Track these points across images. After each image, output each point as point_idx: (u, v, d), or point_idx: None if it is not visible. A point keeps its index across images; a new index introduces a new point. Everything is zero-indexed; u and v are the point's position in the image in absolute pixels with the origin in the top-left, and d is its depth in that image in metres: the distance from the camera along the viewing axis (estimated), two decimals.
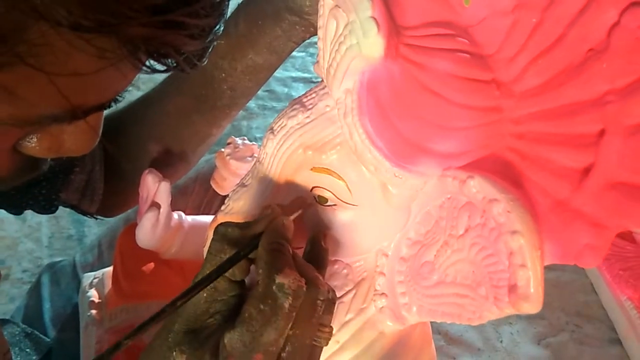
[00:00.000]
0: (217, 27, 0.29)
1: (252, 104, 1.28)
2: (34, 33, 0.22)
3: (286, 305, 0.26)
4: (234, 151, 0.52)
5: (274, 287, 0.26)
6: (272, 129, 0.34)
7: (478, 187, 0.28)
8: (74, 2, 0.22)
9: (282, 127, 0.33)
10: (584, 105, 0.26)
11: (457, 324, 0.48)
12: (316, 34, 0.33)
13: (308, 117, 0.32)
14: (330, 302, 0.30)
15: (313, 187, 0.33)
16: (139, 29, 0.24)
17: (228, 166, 0.52)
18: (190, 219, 0.55)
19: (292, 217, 0.31)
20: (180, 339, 0.28)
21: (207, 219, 0.57)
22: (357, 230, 0.34)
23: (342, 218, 0.34)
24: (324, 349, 0.30)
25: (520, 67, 0.29)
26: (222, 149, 0.53)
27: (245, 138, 0.54)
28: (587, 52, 0.27)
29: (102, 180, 0.53)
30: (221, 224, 0.31)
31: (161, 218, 0.50)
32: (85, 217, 0.57)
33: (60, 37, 0.23)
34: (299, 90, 1.41)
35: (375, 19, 0.26)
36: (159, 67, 0.28)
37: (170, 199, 0.50)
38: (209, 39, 0.29)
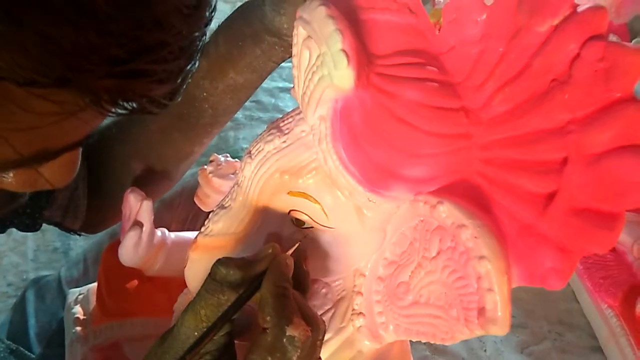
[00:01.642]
0: (190, 66, 0.28)
1: (239, 114, 1.29)
2: None
3: (295, 358, 0.27)
4: (216, 169, 0.53)
5: (284, 340, 0.27)
6: (249, 152, 0.35)
7: (447, 212, 0.29)
8: (28, 58, 0.21)
9: (259, 151, 0.34)
10: (548, 133, 0.27)
11: None
12: None
13: (285, 141, 0.33)
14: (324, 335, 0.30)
15: (290, 210, 0.34)
16: (100, 81, 0.24)
17: (211, 184, 0.52)
18: (173, 235, 0.55)
19: (290, 252, 0.32)
20: None
21: (190, 235, 0.57)
22: (334, 252, 0.35)
23: (320, 240, 0.34)
24: None
25: (488, 94, 0.30)
26: (205, 166, 0.54)
27: (228, 155, 0.55)
28: (551, 82, 0.28)
29: (85, 197, 0.53)
30: (219, 262, 0.30)
31: (144, 237, 0.50)
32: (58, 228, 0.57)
33: (15, 92, 0.22)
34: (285, 100, 1.42)
35: (345, 51, 0.27)
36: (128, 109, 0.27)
37: (152, 217, 0.51)
38: (180, 80, 0.28)
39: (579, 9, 0.27)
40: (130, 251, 0.50)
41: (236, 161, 0.55)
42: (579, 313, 0.95)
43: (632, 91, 0.26)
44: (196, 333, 0.28)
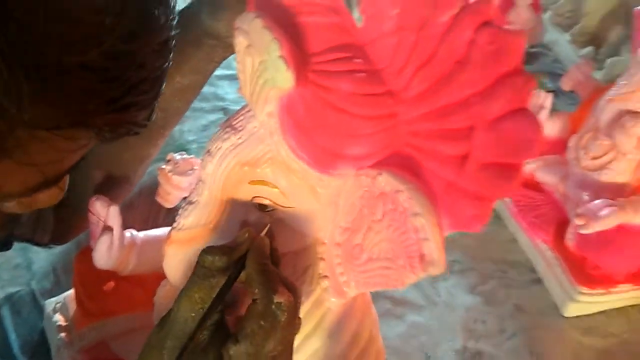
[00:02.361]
0: (160, 90, 0.34)
1: None
2: (21, 134, 0.28)
3: (283, 319, 0.32)
4: (174, 167, 0.56)
5: (273, 307, 0.32)
6: (209, 151, 0.39)
7: (386, 181, 0.34)
8: (54, 110, 0.28)
9: (218, 149, 0.38)
10: (456, 106, 0.33)
11: (399, 289, 0.54)
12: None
13: (240, 138, 0.37)
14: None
15: (253, 197, 0.39)
16: (102, 117, 0.30)
17: (171, 181, 0.56)
18: (142, 234, 0.59)
19: (263, 234, 0.37)
20: (176, 355, 0.32)
21: (157, 232, 0.60)
22: (296, 227, 0.40)
23: (283, 219, 0.39)
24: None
25: (407, 78, 0.35)
26: (163, 166, 0.57)
27: (184, 153, 0.58)
28: (455, 64, 0.33)
29: (51, 210, 0.56)
30: (205, 251, 0.35)
31: (115, 240, 0.54)
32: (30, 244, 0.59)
33: (45, 136, 0.29)
34: (224, 87, 1.44)
35: (284, 57, 0.31)
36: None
37: (121, 221, 0.54)
38: (155, 102, 0.34)
39: (473, 3, 0.33)
40: (104, 255, 0.54)
41: (192, 158, 0.59)
42: (518, 251, 1.06)
43: (517, 65, 0.32)
44: (193, 314, 0.33)
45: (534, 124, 0.32)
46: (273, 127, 0.35)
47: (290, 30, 0.34)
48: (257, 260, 0.34)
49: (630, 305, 0.96)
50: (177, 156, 0.57)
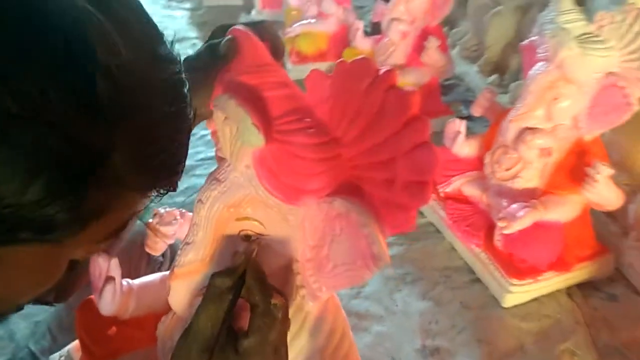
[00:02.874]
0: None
1: None
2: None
3: (280, 316, 0.43)
4: (160, 219, 0.66)
5: (271, 307, 0.43)
6: (200, 200, 0.50)
7: (339, 204, 0.46)
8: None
9: (208, 198, 0.49)
10: (381, 144, 0.46)
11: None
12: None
13: (224, 186, 0.49)
14: None
15: (240, 231, 0.50)
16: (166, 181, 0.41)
17: (159, 232, 0.66)
18: (137, 282, 0.67)
19: (254, 256, 0.47)
20: (207, 357, 0.42)
21: (149, 278, 0.69)
22: (276, 250, 0.51)
23: (265, 245, 0.51)
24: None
25: (343, 128, 0.48)
26: (150, 220, 0.67)
27: (166, 207, 0.68)
28: (374, 115, 0.47)
29: None
30: (214, 275, 0.45)
31: (117, 288, 0.62)
32: (8, 317, 0.66)
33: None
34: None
35: (255, 124, 0.44)
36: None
37: (120, 271, 0.63)
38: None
39: (380, 71, 0.46)
40: (109, 302, 0.62)
41: (174, 209, 0.69)
42: (457, 258, 1.21)
43: (416, 113, 0.46)
44: (210, 323, 0.43)
45: (434, 152, 0.45)
46: (251, 175, 0.47)
47: (255, 102, 0.47)
48: (254, 274, 0.45)
49: (557, 290, 1.13)
50: (161, 210, 0.67)
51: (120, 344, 0.66)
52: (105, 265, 0.61)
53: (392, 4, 1.62)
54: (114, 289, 0.62)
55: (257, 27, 0.54)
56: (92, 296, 0.68)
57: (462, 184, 1.24)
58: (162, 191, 0.41)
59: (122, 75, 0.33)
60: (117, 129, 0.33)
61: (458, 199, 1.25)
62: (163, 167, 0.39)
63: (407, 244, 1.24)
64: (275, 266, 0.52)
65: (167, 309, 0.63)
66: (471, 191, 1.23)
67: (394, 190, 0.46)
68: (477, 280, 1.16)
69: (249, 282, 0.45)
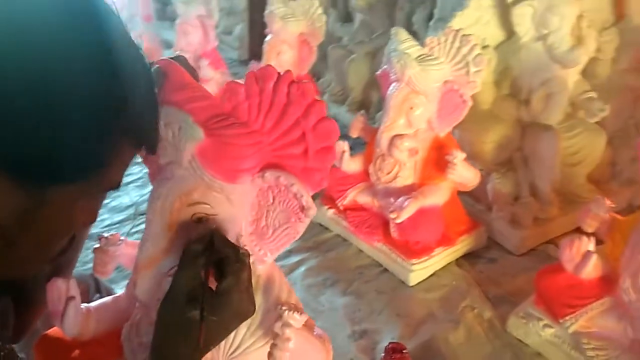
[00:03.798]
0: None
1: None
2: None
3: (247, 261, 0.54)
4: (107, 242, 0.73)
5: (240, 255, 0.53)
6: (153, 197, 0.59)
7: (270, 175, 0.59)
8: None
9: (160, 194, 0.59)
10: (292, 126, 0.60)
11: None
12: None
13: (173, 182, 0.59)
14: None
15: (192, 215, 0.59)
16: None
17: (108, 253, 0.72)
18: (93, 304, 0.72)
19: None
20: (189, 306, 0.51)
21: (103, 300, 0.74)
22: (224, 228, 0.62)
23: (215, 224, 0.61)
24: None
25: (261, 121, 0.62)
26: (97, 245, 0.73)
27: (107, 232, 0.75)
28: (284, 106, 0.61)
29: (11, 307, 0.66)
30: (188, 244, 0.54)
31: (78, 306, 0.67)
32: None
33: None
34: None
35: (195, 121, 0.55)
36: None
37: (79, 291, 0.68)
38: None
39: (281, 75, 0.61)
40: (73, 319, 0.66)
41: (116, 233, 0.75)
42: (364, 256, 1.37)
43: (313, 98, 0.61)
44: (189, 281, 0.52)
45: (332, 123, 0.60)
46: (195, 166, 0.58)
47: (187, 109, 0.59)
48: (221, 237, 0.55)
49: (448, 263, 1.32)
50: (105, 234, 0.74)
51: None
52: (64, 286, 0.66)
53: (264, 60, 1.82)
54: (76, 307, 0.66)
55: (175, 59, 0.66)
56: (46, 332, 0.72)
57: (355, 195, 1.42)
58: (145, 149, 0.51)
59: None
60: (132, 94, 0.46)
61: (355, 208, 1.42)
62: (150, 127, 0.50)
63: (322, 255, 1.37)
64: None
65: (123, 324, 0.69)
66: (364, 199, 1.41)
67: (309, 158, 0.60)
68: (385, 270, 1.32)
69: (218, 243, 0.54)
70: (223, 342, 0.61)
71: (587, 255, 0.99)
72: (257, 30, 1.82)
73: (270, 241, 0.63)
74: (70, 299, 0.66)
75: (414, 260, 1.26)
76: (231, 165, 0.58)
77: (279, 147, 0.61)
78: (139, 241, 0.73)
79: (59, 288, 0.66)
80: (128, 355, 0.66)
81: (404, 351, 0.97)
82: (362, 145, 1.61)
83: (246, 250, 0.56)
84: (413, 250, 1.28)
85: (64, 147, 0.42)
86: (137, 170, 1.71)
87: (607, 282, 1.02)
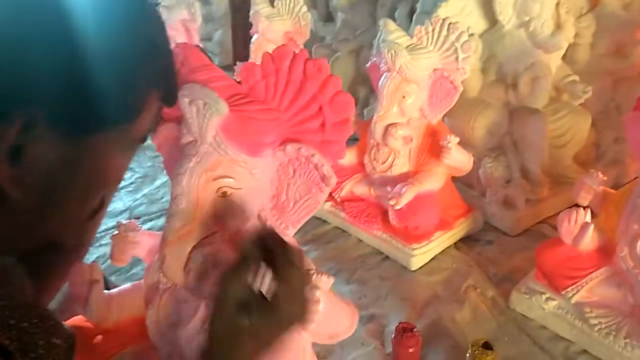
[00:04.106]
0: None
1: None
2: None
3: (299, 263, 0.54)
4: (126, 227, 0.75)
5: (291, 256, 0.53)
6: (179, 173, 0.62)
7: (291, 147, 0.63)
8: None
9: (186, 169, 0.62)
10: (310, 100, 0.64)
11: None
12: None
13: (198, 157, 0.62)
14: None
15: (217, 189, 0.62)
16: None
17: (127, 239, 0.74)
18: (114, 291, 0.74)
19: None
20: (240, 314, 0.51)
21: (123, 287, 0.76)
22: (247, 204, 0.65)
23: (238, 202, 0.64)
24: None
25: (278, 98, 0.65)
26: (116, 232, 0.75)
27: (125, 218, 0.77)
28: (301, 83, 0.65)
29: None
30: (243, 247, 0.54)
31: (102, 289, 0.69)
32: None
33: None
34: None
35: (219, 97, 0.59)
36: None
37: (102, 275, 0.70)
38: None
39: (297, 53, 0.65)
40: (96, 304, 0.68)
41: (132, 220, 0.77)
42: (364, 245, 1.41)
43: (328, 73, 0.65)
44: (241, 286, 0.52)
45: (348, 96, 0.64)
46: (219, 141, 0.61)
47: (211, 87, 0.62)
48: (274, 235, 0.55)
49: (447, 247, 1.37)
50: (124, 221, 0.76)
51: (107, 348, 0.71)
52: (88, 270, 0.68)
53: (252, 60, 1.86)
54: (100, 291, 0.68)
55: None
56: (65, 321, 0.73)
57: (352, 186, 1.46)
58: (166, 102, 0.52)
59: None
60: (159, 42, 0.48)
61: (352, 199, 1.46)
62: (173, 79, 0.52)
63: (322, 247, 1.40)
64: (250, 215, 0.65)
65: (144, 311, 0.72)
66: (361, 190, 1.45)
67: (326, 131, 0.64)
68: (386, 257, 1.36)
69: (269, 241, 0.54)
70: None
71: (584, 226, 1.05)
72: (240, 34, 1.85)
73: (292, 214, 0.66)
74: (94, 282, 0.68)
75: (414, 245, 1.31)
76: (254, 139, 0.62)
77: (297, 123, 0.65)
78: (153, 231, 0.76)
79: (83, 271, 0.68)
80: (155, 337, 0.68)
81: (415, 329, 1.01)
82: (354, 140, 1.65)
83: (299, 250, 0.56)
84: (413, 236, 1.32)
85: (103, 94, 0.43)
86: (129, 175, 1.72)
87: (604, 253, 1.07)
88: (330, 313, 0.64)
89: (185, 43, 0.66)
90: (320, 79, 0.64)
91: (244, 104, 0.62)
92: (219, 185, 0.62)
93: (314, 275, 0.62)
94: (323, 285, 0.62)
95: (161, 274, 0.67)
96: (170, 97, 0.52)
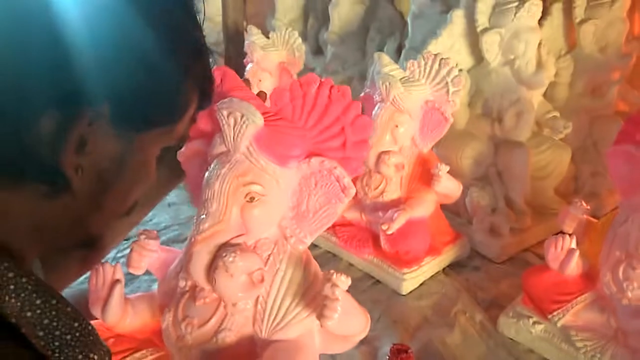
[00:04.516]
0: None
1: None
2: None
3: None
4: (148, 235, 0.79)
5: None
6: (211, 177, 0.68)
7: (315, 160, 0.70)
8: None
9: (218, 175, 0.68)
10: (334, 122, 0.72)
11: None
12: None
13: (230, 164, 0.69)
14: None
15: (246, 195, 0.69)
16: None
17: (147, 247, 0.79)
18: (132, 295, 0.78)
19: None
20: None
21: (142, 294, 0.80)
22: (272, 213, 0.71)
23: (264, 208, 0.70)
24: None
25: (304, 119, 0.73)
26: (136, 239, 0.79)
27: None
28: (325, 106, 0.73)
29: None
30: None
31: (122, 290, 0.73)
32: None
33: None
34: None
35: (256, 111, 0.66)
36: None
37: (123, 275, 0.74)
38: None
39: (322, 81, 0.73)
40: (116, 305, 0.72)
41: (150, 231, 0.82)
42: (356, 270, 1.47)
43: (350, 98, 0.73)
44: None
45: (368, 118, 0.72)
46: (251, 151, 0.68)
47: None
48: None
49: (436, 273, 1.45)
50: (142, 229, 0.80)
51: (116, 351, 0.74)
52: (111, 270, 0.72)
53: None
54: (121, 292, 0.72)
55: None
56: None
57: (343, 212, 1.53)
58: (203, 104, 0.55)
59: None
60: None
61: (343, 224, 1.53)
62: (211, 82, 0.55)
63: None
64: (272, 222, 0.72)
65: (158, 318, 0.76)
66: (352, 215, 1.52)
67: (348, 149, 0.73)
68: (377, 281, 1.42)
69: None
70: (266, 315, 0.70)
71: (570, 252, 1.14)
72: (233, 63, 1.94)
73: (311, 223, 0.73)
74: (116, 282, 0.72)
75: (405, 270, 1.38)
76: (284, 151, 0.70)
77: (320, 141, 0.74)
78: (167, 247, 0.81)
79: (106, 272, 0.72)
80: (169, 341, 0.72)
81: (409, 351, 1.07)
82: None
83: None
84: (404, 261, 1.39)
85: (159, 93, 0.46)
86: None
87: (589, 278, 1.16)
88: (348, 313, 0.70)
89: (223, 66, 0.73)
90: (344, 103, 0.72)
91: (275, 120, 0.70)
92: (247, 191, 0.69)
93: (334, 275, 0.68)
94: (342, 285, 0.68)
95: (181, 278, 0.72)
96: (206, 101, 0.55)
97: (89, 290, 0.73)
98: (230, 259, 0.65)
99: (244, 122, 0.67)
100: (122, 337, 0.76)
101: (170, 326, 0.73)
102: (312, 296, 0.71)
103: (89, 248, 0.59)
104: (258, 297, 0.69)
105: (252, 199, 0.69)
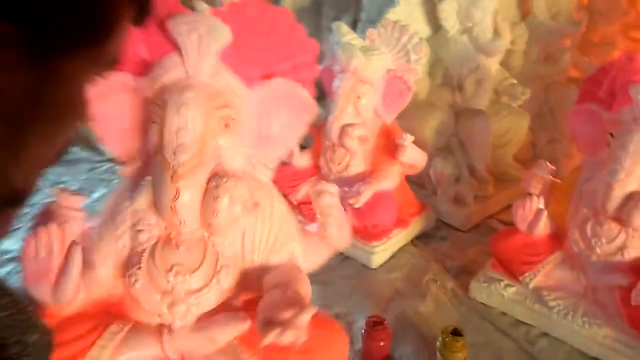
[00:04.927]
0: None
1: None
2: None
3: None
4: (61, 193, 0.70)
5: None
6: (183, 104, 0.62)
7: (275, 83, 0.68)
8: None
9: (187, 99, 0.63)
10: (280, 45, 0.68)
11: None
12: None
13: (197, 88, 0.63)
14: None
15: (219, 120, 0.65)
16: None
17: (69, 202, 0.69)
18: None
19: None
20: None
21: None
22: (242, 137, 0.67)
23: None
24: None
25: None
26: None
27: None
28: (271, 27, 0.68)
29: None
30: None
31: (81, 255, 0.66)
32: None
33: None
34: None
35: (225, 25, 0.61)
36: None
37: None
38: None
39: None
40: (77, 274, 0.64)
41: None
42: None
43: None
44: None
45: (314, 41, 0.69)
46: (219, 70, 0.64)
47: None
48: None
49: (404, 245, 1.43)
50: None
51: (81, 331, 0.67)
52: (59, 233, 0.64)
53: None
54: (81, 258, 0.64)
55: None
56: None
57: (308, 189, 1.49)
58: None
59: None
60: None
61: (308, 201, 1.48)
62: None
63: None
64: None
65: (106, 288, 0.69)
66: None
67: (298, 72, 0.69)
68: (346, 257, 1.39)
69: None
70: (257, 240, 0.69)
71: (538, 212, 1.14)
72: None
73: (275, 147, 0.70)
74: (73, 245, 0.64)
75: (374, 243, 1.35)
76: (249, 70, 0.66)
77: (271, 63, 0.70)
78: None
79: (52, 236, 0.63)
80: (151, 301, 0.67)
81: (385, 322, 1.05)
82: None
83: None
84: (372, 234, 1.37)
85: (71, 9, 0.38)
86: None
87: (557, 238, 1.17)
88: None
89: None
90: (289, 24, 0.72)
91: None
92: (220, 115, 0.63)
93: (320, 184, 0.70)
94: (329, 188, 0.72)
95: (140, 231, 0.66)
96: (144, 12, 0.46)
97: (24, 264, 0.64)
98: (233, 183, 0.60)
99: (211, 38, 0.60)
100: (76, 317, 0.68)
101: (147, 285, 0.66)
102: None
103: (14, 205, 0.51)
104: (244, 230, 0.66)
105: (227, 125, 0.64)
